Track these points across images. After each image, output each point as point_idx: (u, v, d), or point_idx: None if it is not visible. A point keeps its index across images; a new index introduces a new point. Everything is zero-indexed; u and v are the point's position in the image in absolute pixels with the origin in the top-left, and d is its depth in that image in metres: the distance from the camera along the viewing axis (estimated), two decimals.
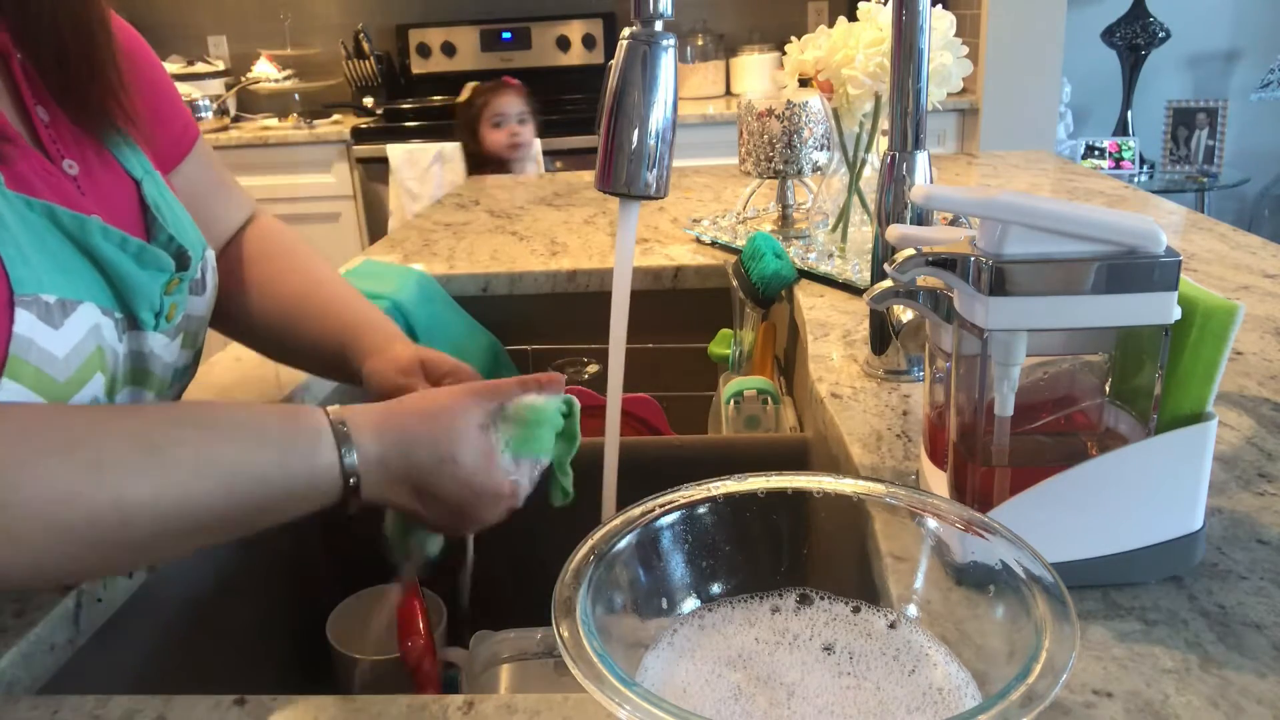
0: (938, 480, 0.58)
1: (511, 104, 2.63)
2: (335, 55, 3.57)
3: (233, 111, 3.62)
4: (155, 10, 3.69)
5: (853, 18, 1.10)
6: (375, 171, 3.19)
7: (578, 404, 0.67)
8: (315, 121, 3.38)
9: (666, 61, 0.60)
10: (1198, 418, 0.50)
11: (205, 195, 0.80)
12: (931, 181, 0.77)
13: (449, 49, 3.53)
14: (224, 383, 0.94)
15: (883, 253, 0.81)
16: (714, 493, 0.47)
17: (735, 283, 1.12)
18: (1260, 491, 0.60)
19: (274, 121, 3.48)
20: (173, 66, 3.55)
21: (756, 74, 3.38)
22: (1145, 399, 0.50)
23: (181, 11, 3.72)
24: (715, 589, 0.47)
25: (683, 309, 1.27)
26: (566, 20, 3.48)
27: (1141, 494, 0.50)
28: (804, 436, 0.90)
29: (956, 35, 1.04)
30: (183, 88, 3.37)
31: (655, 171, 0.62)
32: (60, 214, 0.58)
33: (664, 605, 0.46)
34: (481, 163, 2.69)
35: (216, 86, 3.58)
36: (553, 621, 0.38)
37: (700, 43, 3.46)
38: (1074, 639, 0.36)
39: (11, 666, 0.54)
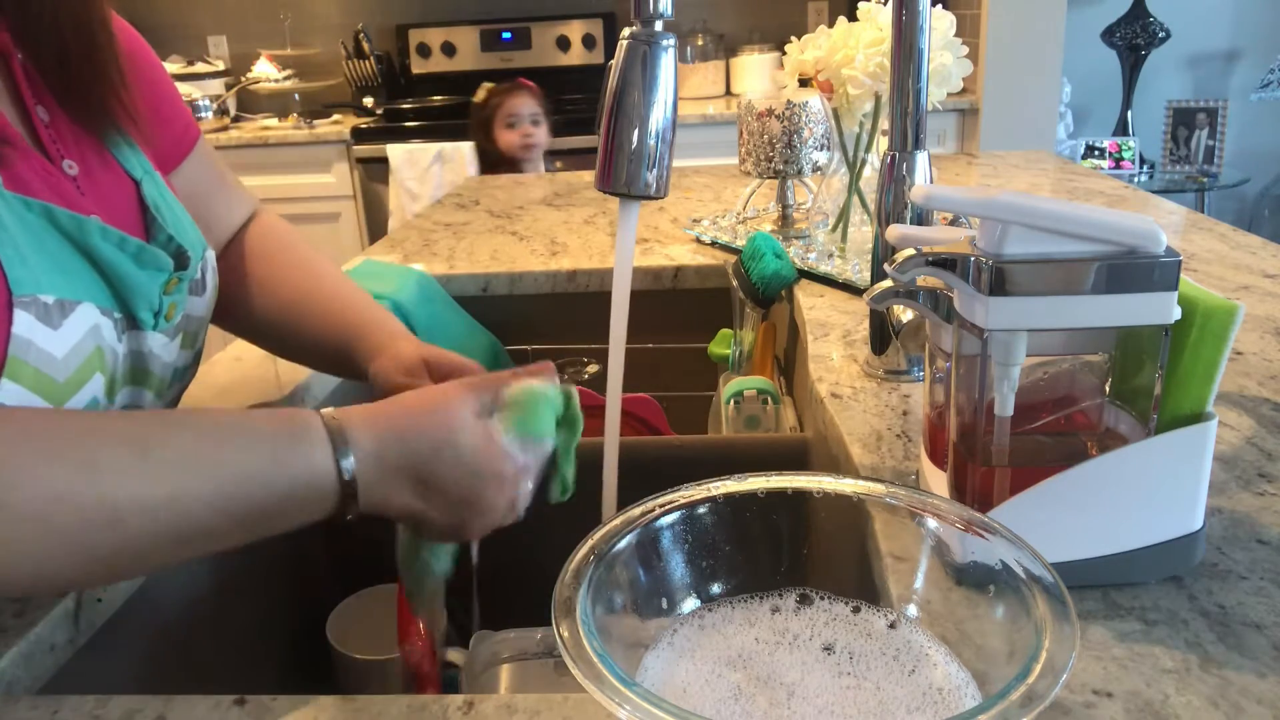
0: (938, 480, 0.58)
1: (525, 105, 2.68)
2: (335, 55, 3.57)
3: (233, 111, 3.62)
4: (155, 10, 3.69)
5: (853, 18, 1.10)
6: (375, 171, 3.19)
7: (575, 389, 0.66)
8: (315, 121, 3.38)
9: (666, 61, 0.60)
10: (1198, 418, 0.50)
11: (206, 195, 0.80)
12: (931, 181, 0.77)
13: (449, 49, 3.53)
14: (224, 383, 0.94)
15: (883, 253, 0.81)
16: (714, 493, 0.47)
17: (735, 283, 1.12)
18: (1260, 491, 0.60)
19: (274, 121, 3.48)
20: (173, 66, 3.55)
21: (756, 74, 3.38)
22: (1145, 399, 0.50)
23: (181, 11, 3.72)
24: (715, 589, 0.47)
25: (683, 309, 1.27)
26: (566, 20, 3.48)
27: (1141, 494, 0.50)
28: (804, 436, 0.90)
29: (956, 35, 1.04)
30: (183, 88, 3.37)
31: (655, 171, 0.62)
32: (58, 214, 0.58)
33: (664, 605, 0.46)
34: (495, 162, 2.74)
35: (216, 86, 3.58)
36: (553, 621, 0.38)
37: (700, 43, 3.46)
38: (1074, 639, 0.36)
39: (11, 666, 0.54)
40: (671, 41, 0.60)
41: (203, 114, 3.47)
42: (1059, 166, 1.79)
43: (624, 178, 0.61)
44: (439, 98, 3.50)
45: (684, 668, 0.42)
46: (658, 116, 0.61)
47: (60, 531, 0.46)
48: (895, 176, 0.76)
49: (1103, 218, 0.47)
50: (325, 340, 0.78)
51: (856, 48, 1.07)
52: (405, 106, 3.43)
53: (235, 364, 0.98)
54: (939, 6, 1.11)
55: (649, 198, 0.62)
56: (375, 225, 3.28)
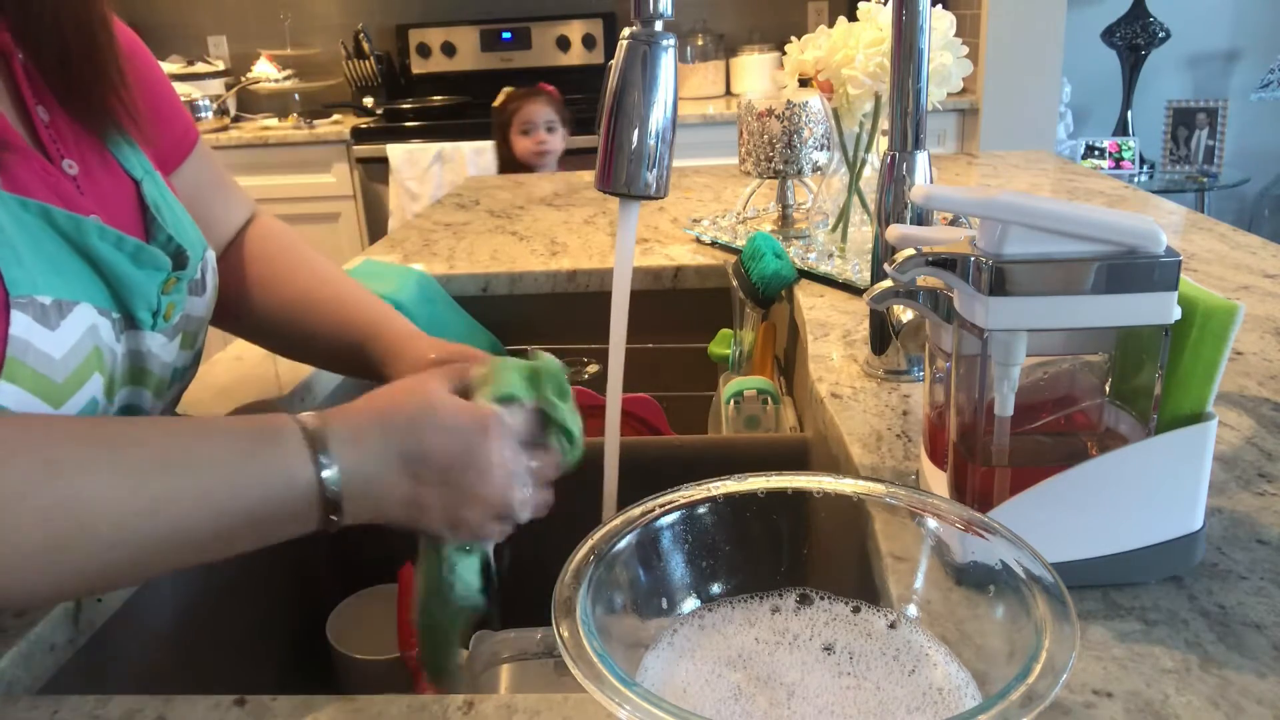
0: (938, 480, 0.58)
1: (540, 112, 2.70)
2: (335, 55, 3.57)
3: (233, 111, 3.62)
4: (155, 10, 3.69)
5: (853, 18, 1.10)
6: (375, 171, 3.19)
7: (553, 358, 0.64)
8: (315, 121, 3.38)
9: (666, 61, 0.60)
10: (1198, 418, 0.50)
11: (206, 196, 0.80)
12: (931, 181, 0.77)
13: (449, 49, 3.53)
14: (224, 382, 0.94)
15: (883, 253, 0.81)
16: (714, 493, 0.47)
17: (735, 283, 1.12)
18: (1260, 491, 0.60)
19: (274, 121, 3.48)
20: (173, 66, 3.55)
21: (756, 74, 3.38)
22: (1145, 399, 0.50)
23: (181, 11, 3.72)
24: (715, 589, 0.47)
25: (683, 309, 1.27)
26: (566, 20, 3.49)
27: (1141, 494, 0.50)
28: (804, 436, 0.90)
29: (956, 35, 1.04)
30: (183, 88, 3.37)
31: (655, 171, 0.62)
32: (56, 215, 0.58)
33: (664, 605, 0.46)
34: (513, 166, 2.76)
35: (216, 86, 3.58)
36: (553, 621, 0.38)
37: (700, 43, 3.46)
38: (1074, 639, 0.36)
39: (11, 666, 0.54)
40: (671, 41, 0.60)
41: (202, 114, 3.46)
42: (1059, 166, 1.79)
43: (624, 178, 0.61)
44: (439, 98, 3.50)
45: (684, 668, 0.42)
46: (658, 116, 0.61)
47: (21, 534, 0.44)
48: (895, 176, 0.76)
49: (1103, 218, 0.47)
50: (334, 339, 0.78)
51: (856, 48, 1.07)
52: (405, 106, 3.44)
53: (235, 364, 0.98)
54: (939, 6, 1.11)
55: (649, 198, 0.62)
56: (375, 225, 3.28)
